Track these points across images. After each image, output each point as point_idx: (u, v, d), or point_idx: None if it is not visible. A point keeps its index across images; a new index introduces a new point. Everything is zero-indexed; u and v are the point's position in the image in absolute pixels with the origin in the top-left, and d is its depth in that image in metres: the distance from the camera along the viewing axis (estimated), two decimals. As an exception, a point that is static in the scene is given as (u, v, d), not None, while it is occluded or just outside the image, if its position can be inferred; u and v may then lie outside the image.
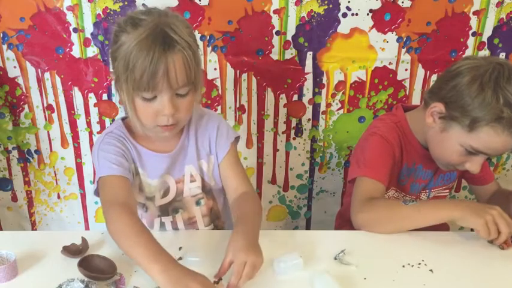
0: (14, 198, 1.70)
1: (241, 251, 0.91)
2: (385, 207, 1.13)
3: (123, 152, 1.08)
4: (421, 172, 1.28)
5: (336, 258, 1.01)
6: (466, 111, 1.10)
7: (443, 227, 1.14)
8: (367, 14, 1.45)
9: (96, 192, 1.09)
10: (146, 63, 0.93)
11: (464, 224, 1.05)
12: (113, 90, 1.53)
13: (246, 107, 1.58)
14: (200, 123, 1.16)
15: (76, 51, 1.47)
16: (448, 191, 1.38)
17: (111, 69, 1.05)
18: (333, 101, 1.59)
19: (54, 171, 1.66)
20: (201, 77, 1.04)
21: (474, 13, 1.47)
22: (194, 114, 1.15)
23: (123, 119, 1.15)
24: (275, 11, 1.45)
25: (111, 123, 1.57)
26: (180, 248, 1.03)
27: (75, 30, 1.44)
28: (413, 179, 1.29)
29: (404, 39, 1.49)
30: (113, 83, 1.50)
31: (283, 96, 1.57)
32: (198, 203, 1.20)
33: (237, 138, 1.21)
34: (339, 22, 1.46)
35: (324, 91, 1.57)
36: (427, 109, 1.18)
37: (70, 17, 1.43)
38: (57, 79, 1.51)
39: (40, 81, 1.51)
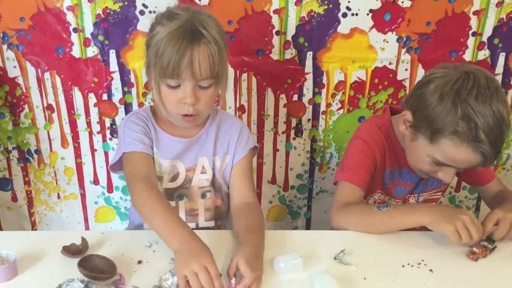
0: (14, 198, 1.70)
1: (244, 263, 0.91)
2: (357, 214, 1.14)
3: (145, 131, 1.16)
4: (406, 176, 1.27)
5: (336, 258, 1.01)
6: (428, 121, 1.08)
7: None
8: (367, 14, 1.45)
9: (112, 167, 1.19)
10: (173, 51, 1.01)
11: (434, 229, 1.06)
12: (113, 90, 1.53)
13: (246, 107, 1.58)
14: (224, 123, 1.23)
15: (76, 51, 1.47)
16: (440, 193, 1.37)
17: (145, 58, 1.13)
18: (333, 101, 1.59)
19: (54, 171, 1.66)
20: (225, 73, 1.11)
21: (474, 13, 1.47)
22: (219, 116, 1.23)
23: (151, 106, 1.24)
24: (275, 11, 1.45)
25: (111, 123, 1.58)
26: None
27: (75, 30, 1.44)
28: (398, 182, 1.28)
29: (404, 39, 1.49)
30: (113, 82, 1.51)
31: (283, 96, 1.57)
32: (203, 196, 1.23)
33: (256, 148, 1.25)
34: (339, 22, 1.46)
35: (324, 91, 1.57)
36: None
37: (70, 17, 1.43)
38: (57, 79, 1.51)
39: (40, 81, 1.51)
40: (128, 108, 1.55)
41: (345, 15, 1.45)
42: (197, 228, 1.23)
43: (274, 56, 1.51)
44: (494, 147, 1.03)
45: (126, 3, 1.41)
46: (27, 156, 1.63)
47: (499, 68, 1.54)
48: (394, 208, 1.10)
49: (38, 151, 1.62)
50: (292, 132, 1.63)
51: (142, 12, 1.42)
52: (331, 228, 1.18)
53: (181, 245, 0.93)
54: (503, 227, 1.07)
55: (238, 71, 1.52)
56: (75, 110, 1.56)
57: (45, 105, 1.55)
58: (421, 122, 1.11)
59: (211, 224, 1.25)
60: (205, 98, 1.08)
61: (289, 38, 1.48)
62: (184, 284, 0.87)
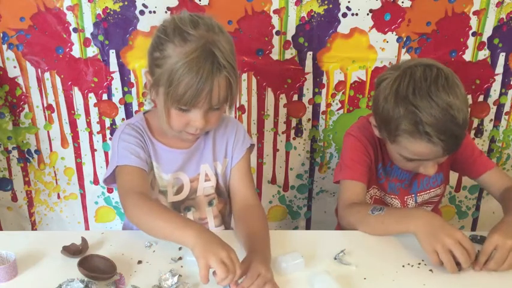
0: (14, 198, 1.70)
1: (258, 263, 0.92)
2: (356, 215, 1.14)
3: (142, 144, 1.12)
4: (396, 172, 1.28)
5: (336, 258, 1.01)
6: (383, 123, 1.12)
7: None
8: (367, 14, 1.45)
9: (106, 181, 1.13)
10: (192, 83, 0.97)
11: (419, 242, 1.00)
12: (113, 90, 1.53)
13: (246, 107, 1.58)
14: (219, 126, 1.19)
15: (76, 51, 1.47)
16: (438, 197, 1.37)
17: (146, 69, 1.09)
18: (333, 101, 1.59)
19: (54, 171, 1.66)
20: (237, 94, 1.09)
21: (474, 13, 1.47)
22: None
23: (144, 113, 1.20)
24: (275, 11, 1.45)
25: (111, 123, 1.58)
26: (180, 248, 1.02)
27: (75, 30, 1.44)
28: (390, 178, 1.29)
29: (404, 39, 1.49)
30: (113, 82, 1.51)
31: (283, 96, 1.57)
32: (210, 203, 1.22)
33: (252, 146, 1.24)
34: (339, 22, 1.46)
35: (324, 91, 1.57)
36: None
37: (70, 17, 1.43)
38: (57, 79, 1.51)
39: (40, 81, 1.51)
40: (127, 108, 1.55)
41: (345, 15, 1.45)
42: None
43: (274, 56, 1.51)
44: (447, 135, 1.04)
45: (126, 3, 1.41)
46: (27, 156, 1.63)
47: (499, 68, 1.54)
48: (387, 213, 1.09)
49: (38, 151, 1.62)
50: (292, 132, 1.63)
51: (142, 12, 1.42)
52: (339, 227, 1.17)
53: (197, 238, 0.88)
54: (500, 257, 0.97)
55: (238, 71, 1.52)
56: (75, 110, 1.56)
57: (45, 105, 1.55)
58: (379, 125, 1.15)
59: (222, 228, 1.24)
60: (214, 118, 1.07)
61: (289, 38, 1.48)
62: (207, 273, 0.84)
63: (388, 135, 1.12)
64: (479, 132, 1.64)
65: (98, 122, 1.58)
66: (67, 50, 1.47)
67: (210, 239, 0.88)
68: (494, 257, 0.97)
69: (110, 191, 1.68)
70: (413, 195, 1.31)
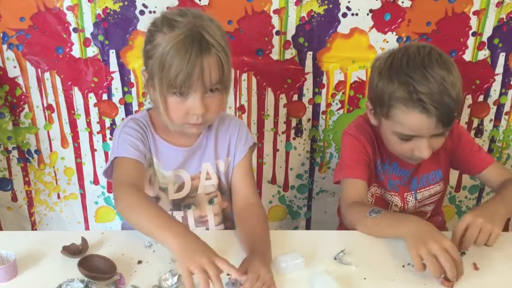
0: (14, 198, 1.70)
1: (258, 264, 0.92)
2: (355, 216, 1.15)
3: (143, 138, 1.12)
4: (395, 169, 1.29)
5: (336, 258, 1.01)
6: (378, 100, 1.15)
7: (440, 227, 1.13)
8: (367, 14, 1.45)
9: (106, 173, 1.13)
10: (182, 64, 0.97)
11: (406, 246, 0.98)
12: (113, 90, 1.53)
13: (246, 107, 1.58)
14: (222, 125, 1.20)
15: (76, 51, 1.47)
16: (438, 195, 1.36)
17: (143, 67, 1.11)
18: (333, 101, 1.59)
19: (54, 171, 1.66)
20: (231, 79, 1.09)
21: (474, 13, 1.46)
22: (216, 118, 1.18)
23: (148, 110, 1.20)
24: (275, 11, 1.45)
25: (111, 123, 1.58)
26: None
27: (75, 30, 1.44)
28: (388, 175, 1.29)
29: (405, 39, 1.49)
30: (113, 82, 1.51)
31: (283, 96, 1.57)
32: (211, 202, 1.22)
33: (254, 145, 1.24)
34: (339, 22, 1.46)
35: (324, 91, 1.57)
36: None
37: (70, 17, 1.43)
38: (57, 79, 1.51)
39: (40, 81, 1.51)
40: (127, 108, 1.55)
41: (345, 15, 1.45)
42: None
43: (274, 56, 1.51)
44: (441, 104, 1.06)
45: (126, 3, 1.41)
46: (27, 156, 1.63)
47: (499, 68, 1.54)
48: (382, 216, 1.09)
49: (38, 151, 1.62)
50: (292, 132, 1.63)
51: (142, 12, 1.42)
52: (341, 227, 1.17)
53: (179, 241, 0.88)
54: (470, 234, 1.00)
55: (238, 71, 1.52)
56: (75, 110, 1.56)
57: (45, 105, 1.55)
58: (375, 104, 1.18)
59: (221, 227, 1.24)
60: (213, 105, 1.06)
61: (289, 38, 1.48)
62: (191, 280, 0.83)
63: (381, 109, 1.14)
64: (479, 132, 1.64)
65: (98, 122, 1.58)
66: (67, 50, 1.47)
67: (190, 243, 0.87)
68: (466, 234, 1.01)
69: (110, 191, 1.68)
70: (413, 192, 1.32)
